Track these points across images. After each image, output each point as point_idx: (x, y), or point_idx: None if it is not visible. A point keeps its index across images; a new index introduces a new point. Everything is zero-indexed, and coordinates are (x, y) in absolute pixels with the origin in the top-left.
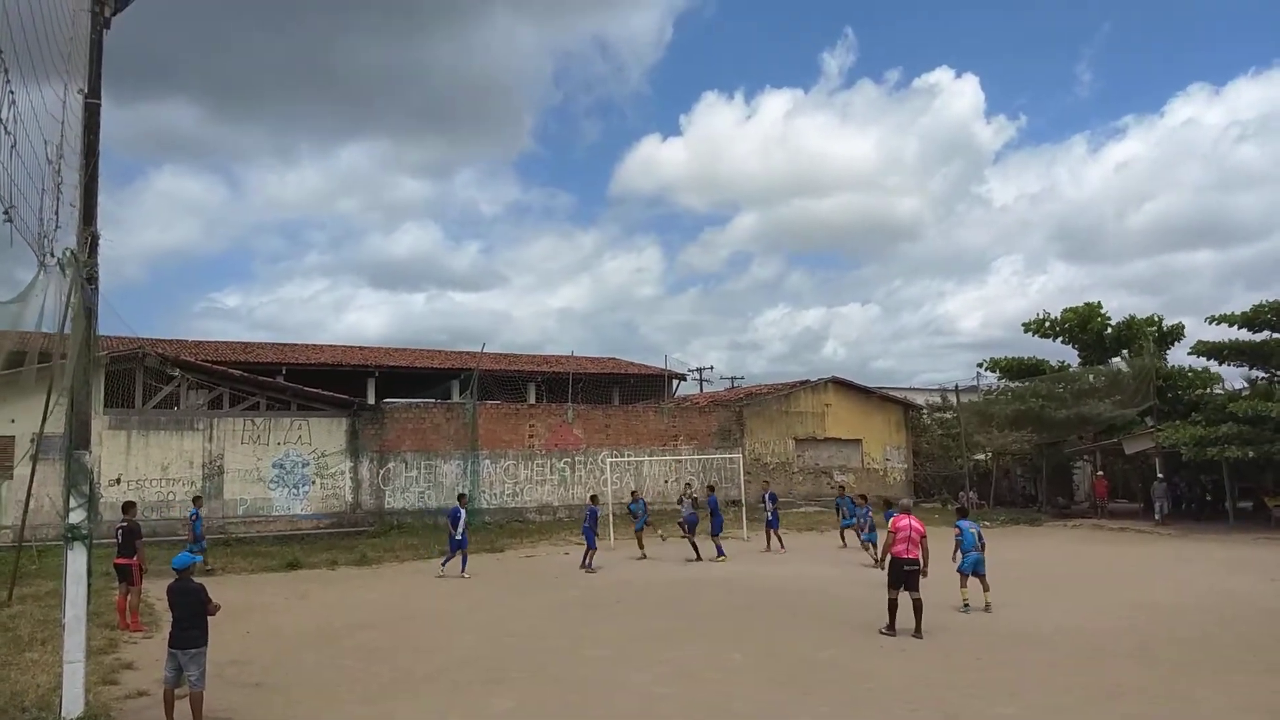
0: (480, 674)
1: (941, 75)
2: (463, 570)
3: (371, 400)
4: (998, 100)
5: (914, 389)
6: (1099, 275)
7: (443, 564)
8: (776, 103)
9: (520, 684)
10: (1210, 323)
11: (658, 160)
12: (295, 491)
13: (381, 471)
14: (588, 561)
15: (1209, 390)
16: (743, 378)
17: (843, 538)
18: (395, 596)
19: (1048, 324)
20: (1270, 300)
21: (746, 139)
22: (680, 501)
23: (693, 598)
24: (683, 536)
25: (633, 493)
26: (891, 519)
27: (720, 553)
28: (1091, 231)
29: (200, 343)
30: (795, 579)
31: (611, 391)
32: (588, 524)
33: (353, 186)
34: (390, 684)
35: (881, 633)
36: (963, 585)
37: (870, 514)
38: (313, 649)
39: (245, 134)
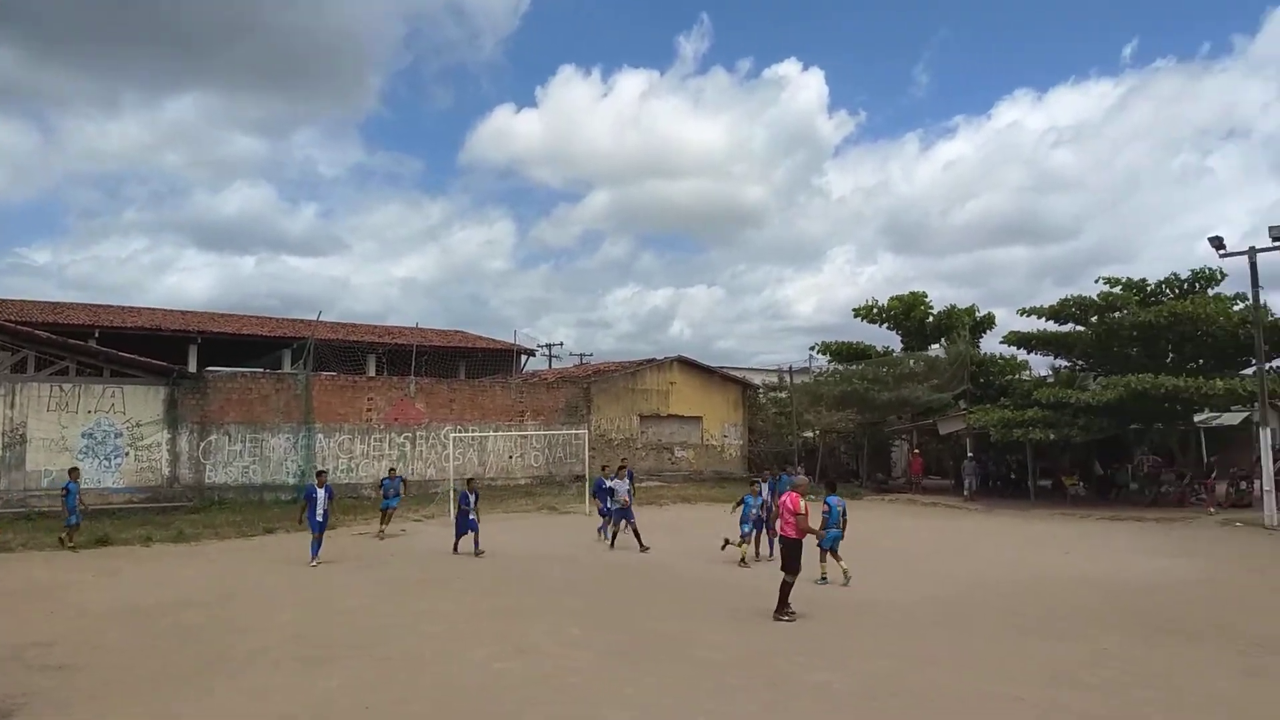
0: (305, 652)
1: (790, 68)
2: (313, 558)
3: (193, 368)
4: (841, 95)
5: (752, 369)
6: (924, 267)
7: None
8: (633, 82)
9: (348, 662)
10: (1021, 314)
11: (511, 131)
12: (106, 463)
13: (202, 444)
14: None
15: (1017, 377)
16: (591, 355)
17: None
18: (215, 575)
19: (875, 311)
20: (1075, 295)
21: (602, 116)
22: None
23: (538, 575)
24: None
25: (390, 470)
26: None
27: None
28: (919, 226)
29: (3, 301)
30: (641, 555)
31: (458, 366)
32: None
33: (179, 140)
34: (207, 664)
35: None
36: (822, 560)
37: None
38: (123, 628)
39: (65, 79)
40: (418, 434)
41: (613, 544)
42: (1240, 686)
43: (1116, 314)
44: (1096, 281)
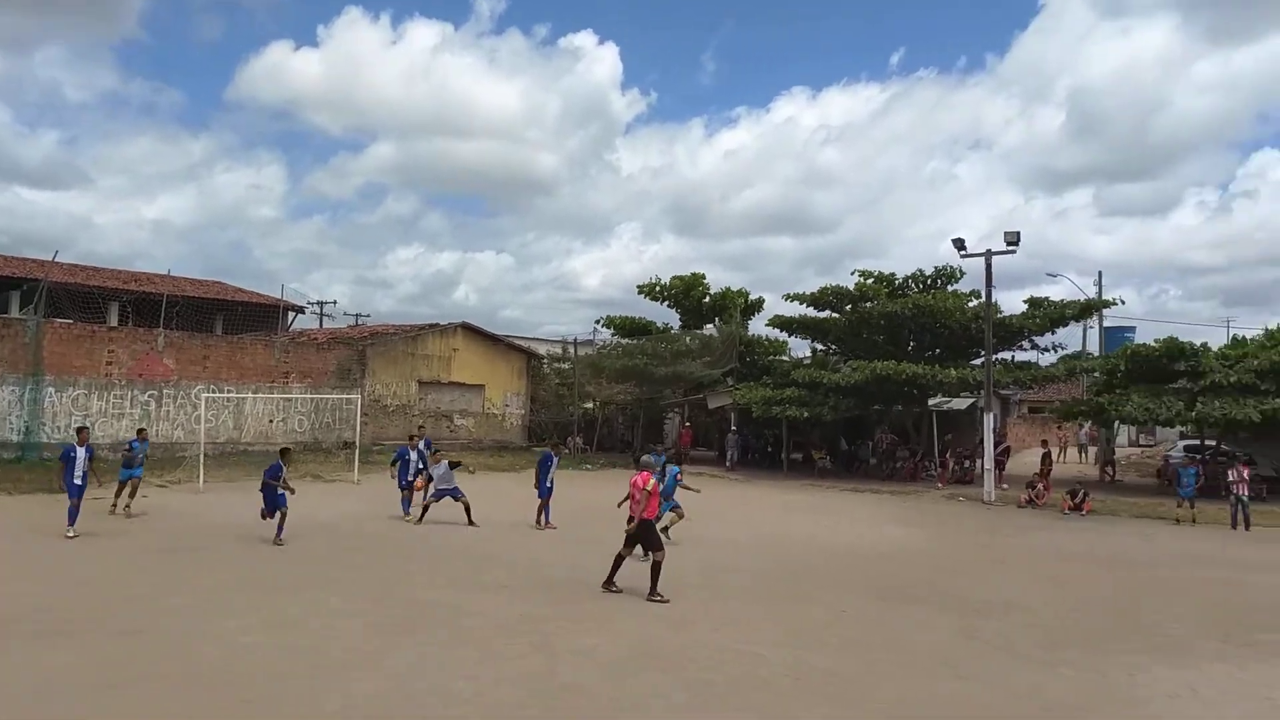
0: (36, 626)
1: (586, 39)
2: (70, 527)
3: None
4: (634, 74)
5: (538, 339)
6: (704, 249)
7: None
8: (425, 33)
9: (83, 635)
10: (786, 300)
11: (288, 70)
12: None
13: None
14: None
15: (779, 358)
16: (369, 315)
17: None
18: None
19: (658, 289)
20: (833, 285)
21: (390, 65)
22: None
23: (298, 545)
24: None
25: (140, 430)
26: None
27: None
28: (701, 210)
29: None
30: (412, 527)
31: (215, 319)
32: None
33: None
34: None
35: (604, 587)
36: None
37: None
38: None
39: None
40: (165, 392)
41: (421, 519)
42: (958, 645)
43: (868, 304)
44: (852, 273)
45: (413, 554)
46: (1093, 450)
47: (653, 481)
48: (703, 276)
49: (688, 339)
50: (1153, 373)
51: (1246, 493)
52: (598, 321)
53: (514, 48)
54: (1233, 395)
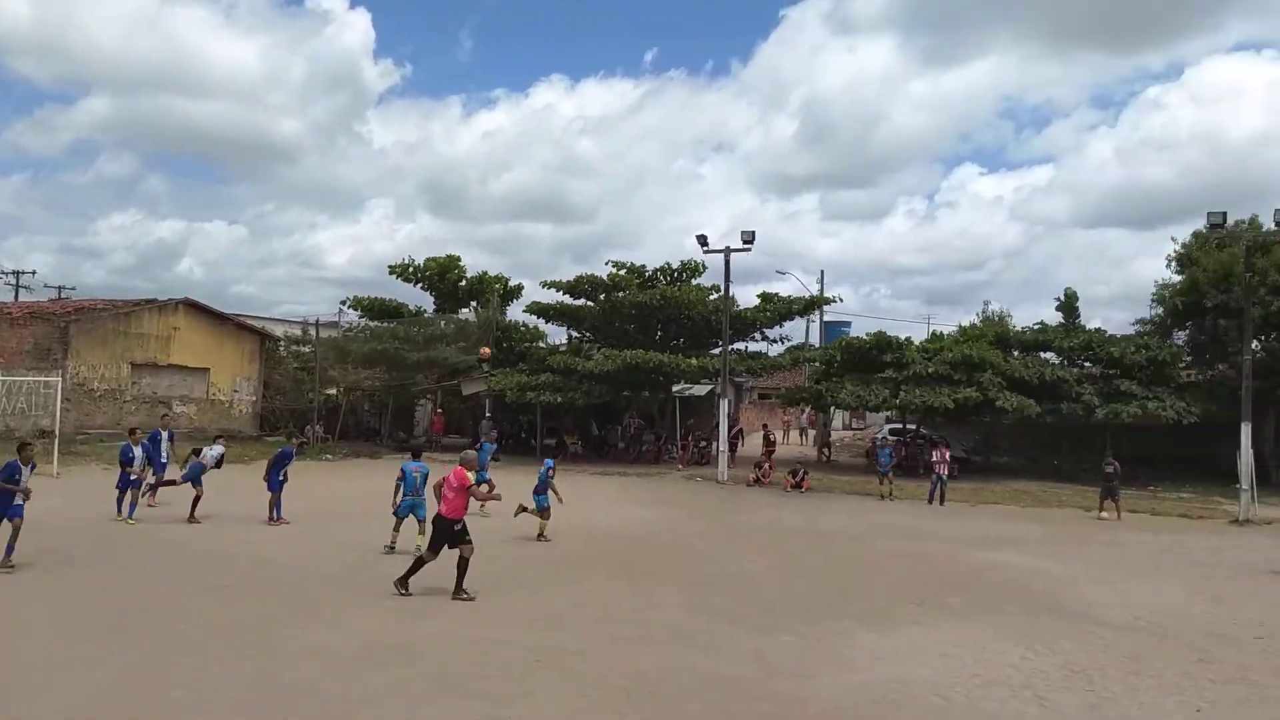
0: None
1: (335, 2)
2: None
3: None
4: (388, 43)
5: (274, 319)
6: (461, 231)
7: None
8: None
9: None
10: (543, 286)
11: None
12: None
13: None
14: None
15: (535, 344)
16: (75, 288)
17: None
18: None
19: (411, 270)
20: (588, 274)
21: (109, 10)
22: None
23: None
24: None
25: None
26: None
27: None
28: (457, 190)
29: None
30: (125, 526)
31: None
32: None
33: None
34: None
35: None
36: (395, 528)
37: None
38: None
39: None
40: None
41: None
42: (691, 617)
43: (620, 294)
44: (606, 263)
45: (124, 554)
46: (812, 433)
47: (471, 478)
48: (459, 259)
49: (442, 323)
50: (864, 363)
51: (945, 472)
52: (344, 302)
53: (254, 4)
54: (930, 385)
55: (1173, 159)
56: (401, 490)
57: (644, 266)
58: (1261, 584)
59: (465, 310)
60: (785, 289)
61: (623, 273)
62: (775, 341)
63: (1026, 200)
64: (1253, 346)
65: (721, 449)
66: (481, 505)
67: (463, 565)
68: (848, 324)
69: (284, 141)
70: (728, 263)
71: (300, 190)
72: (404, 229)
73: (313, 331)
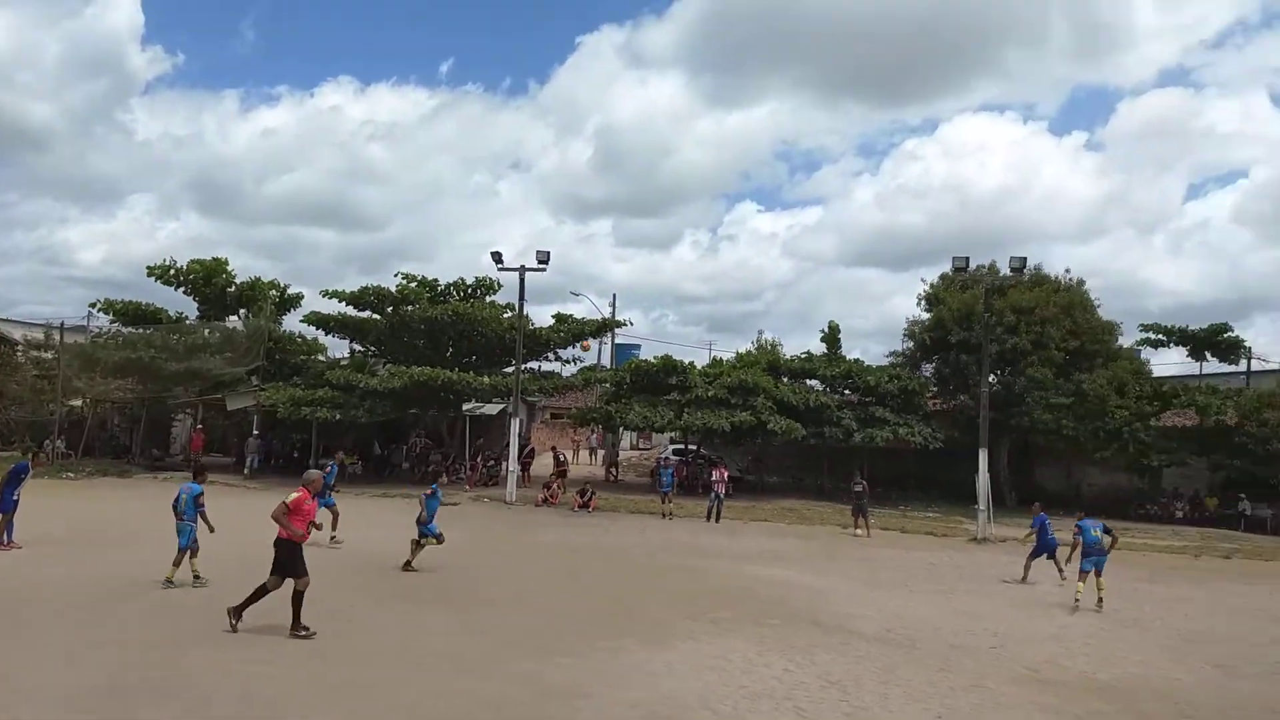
0: None
1: None
2: None
3: None
4: (158, 29)
5: (11, 320)
6: (232, 233)
7: None
8: None
9: None
10: (324, 296)
11: None
12: None
13: None
14: None
15: (313, 357)
16: None
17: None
18: None
19: (173, 272)
20: (375, 285)
21: None
22: None
23: None
24: None
25: None
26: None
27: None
28: (230, 189)
29: None
30: None
31: None
32: None
33: None
34: None
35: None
36: (186, 557)
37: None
38: None
39: None
40: None
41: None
42: (468, 641)
43: (409, 307)
44: (396, 275)
45: None
46: (602, 453)
47: (294, 497)
48: (226, 263)
49: (206, 331)
50: (651, 385)
51: (723, 490)
52: (94, 305)
53: None
54: (711, 407)
55: (926, 206)
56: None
57: (436, 280)
58: (996, 597)
59: (234, 318)
60: (579, 310)
61: (413, 285)
62: (568, 362)
63: (798, 238)
64: (990, 380)
65: (511, 469)
66: (332, 537)
67: (297, 599)
68: (637, 347)
69: (33, 126)
70: (522, 281)
71: (50, 180)
72: (167, 228)
73: (56, 336)
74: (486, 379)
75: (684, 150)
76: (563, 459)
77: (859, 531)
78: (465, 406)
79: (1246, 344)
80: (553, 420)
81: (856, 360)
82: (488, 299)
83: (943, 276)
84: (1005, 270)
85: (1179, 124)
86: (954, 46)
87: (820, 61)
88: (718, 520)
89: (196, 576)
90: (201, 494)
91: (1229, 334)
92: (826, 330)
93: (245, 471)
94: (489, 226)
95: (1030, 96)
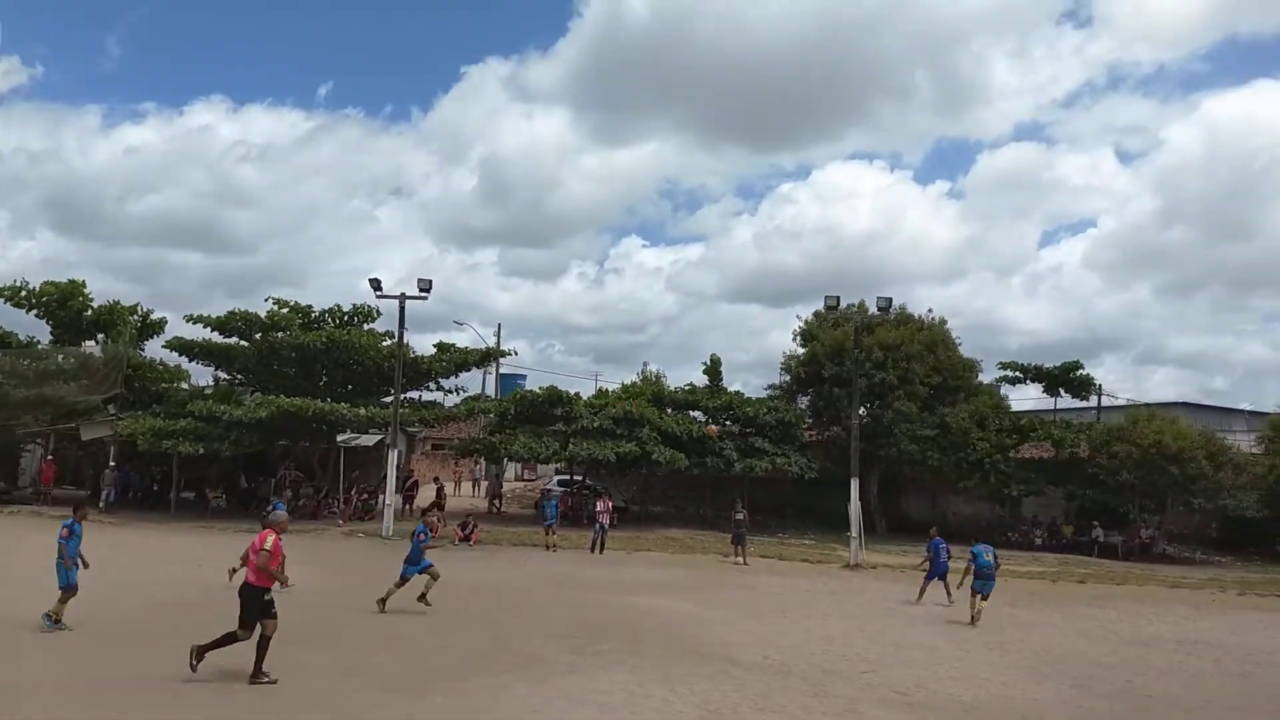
0: None
1: None
2: None
3: None
4: (15, 39)
5: None
6: (90, 253)
7: None
8: None
9: None
10: (189, 321)
11: None
12: None
13: None
14: None
15: (176, 385)
16: None
17: None
18: None
19: (24, 294)
20: (243, 309)
21: None
22: None
23: None
24: None
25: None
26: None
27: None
28: (90, 207)
29: None
30: None
31: None
32: None
33: None
34: None
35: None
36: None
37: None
38: None
39: None
40: None
41: None
42: (338, 683)
43: (280, 334)
44: (266, 300)
45: None
46: (485, 485)
47: (270, 540)
48: (83, 285)
49: (60, 357)
50: (537, 416)
51: (607, 521)
52: None
53: None
54: (596, 438)
55: (800, 247)
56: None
57: (310, 307)
58: (868, 622)
59: (90, 343)
60: (463, 340)
61: (285, 311)
62: (451, 392)
63: (681, 273)
64: (860, 412)
65: (388, 502)
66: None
67: (263, 644)
68: (523, 377)
69: None
70: (403, 309)
71: None
72: (20, 246)
73: None
74: (363, 410)
75: (570, 184)
76: (443, 492)
77: (739, 560)
78: (340, 438)
79: (1097, 381)
80: (434, 451)
81: (737, 392)
82: (366, 327)
83: (816, 314)
84: (873, 309)
85: (1033, 176)
86: (827, 97)
87: (702, 105)
88: (602, 551)
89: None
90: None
91: (1081, 371)
92: (709, 363)
93: (100, 505)
94: (367, 253)
95: (897, 146)
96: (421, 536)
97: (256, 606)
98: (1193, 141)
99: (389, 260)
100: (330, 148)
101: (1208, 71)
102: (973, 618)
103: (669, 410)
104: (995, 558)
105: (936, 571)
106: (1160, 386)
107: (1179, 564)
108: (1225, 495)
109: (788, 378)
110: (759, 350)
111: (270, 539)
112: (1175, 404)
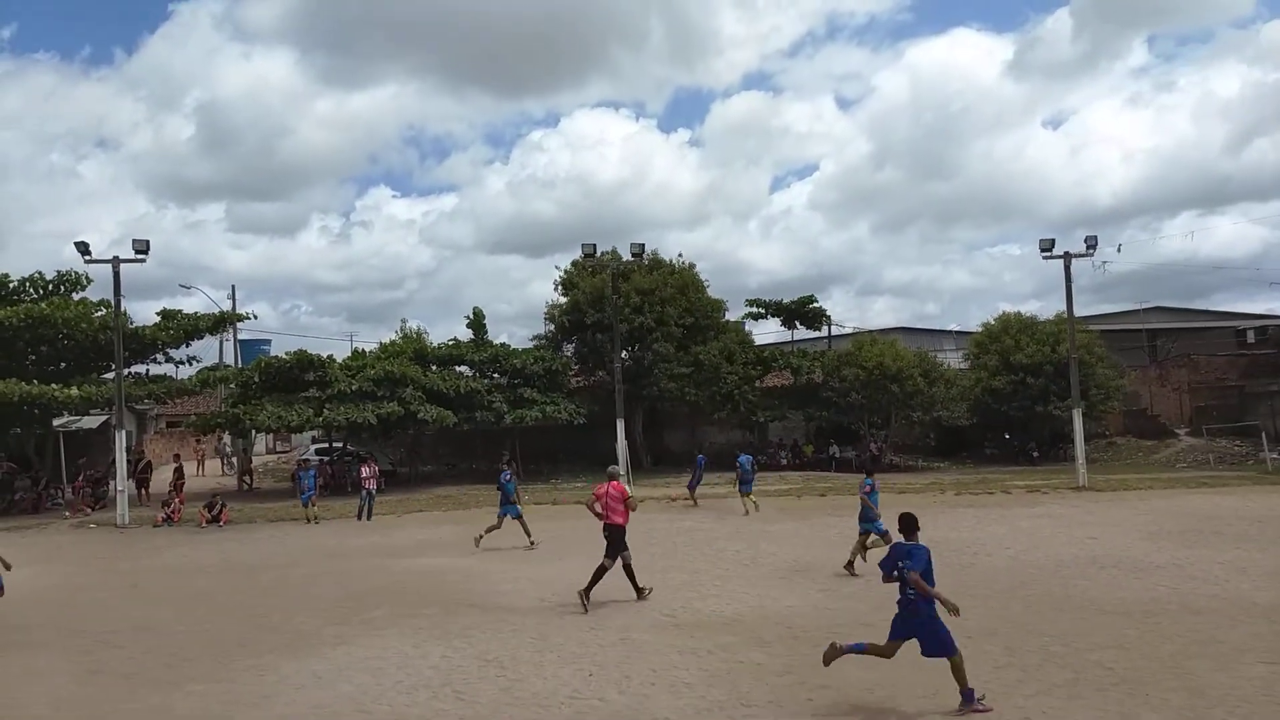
0: None
1: None
2: None
3: None
4: None
5: None
6: None
7: None
8: None
9: None
10: None
11: None
12: None
13: None
14: None
15: None
16: None
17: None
18: None
19: None
20: None
21: None
22: None
23: None
24: None
25: None
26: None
27: None
28: None
29: None
30: None
31: None
32: None
33: None
34: None
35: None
36: None
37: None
38: None
39: None
40: None
41: None
42: (82, 682)
43: None
44: None
45: None
46: (234, 460)
47: (616, 489)
48: None
49: None
50: (287, 382)
51: (374, 486)
52: None
53: None
54: (355, 401)
55: (554, 196)
56: None
57: (6, 276)
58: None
59: None
60: (191, 305)
61: None
62: (183, 363)
63: (435, 225)
64: (622, 356)
65: (120, 488)
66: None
67: (629, 571)
68: (268, 342)
69: None
70: (117, 275)
71: None
72: None
73: None
74: (76, 390)
75: (302, 130)
76: (180, 471)
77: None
78: (57, 422)
79: (827, 313)
80: (170, 430)
81: (503, 344)
82: (75, 296)
83: (575, 263)
84: (627, 256)
85: (762, 123)
86: (568, 42)
87: (439, 48)
88: (369, 518)
89: None
90: None
91: (814, 305)
92: (472, 316)
93: None
94: (72, 213)
95: (639, 95)
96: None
97: (620, 540)
98: (900, 88)
99: (98, 220)
100: (18, 96)
101: (912, 21)
102: (746, 510)
103: (433, 367)
104: (754, 465)
105: (698, 480)
106: (881, 315)
107: (904, 472)
108: (939, 408)
109: (552, 327)
110: (521, 301)
111: (618, 489)
112: (894, 329)
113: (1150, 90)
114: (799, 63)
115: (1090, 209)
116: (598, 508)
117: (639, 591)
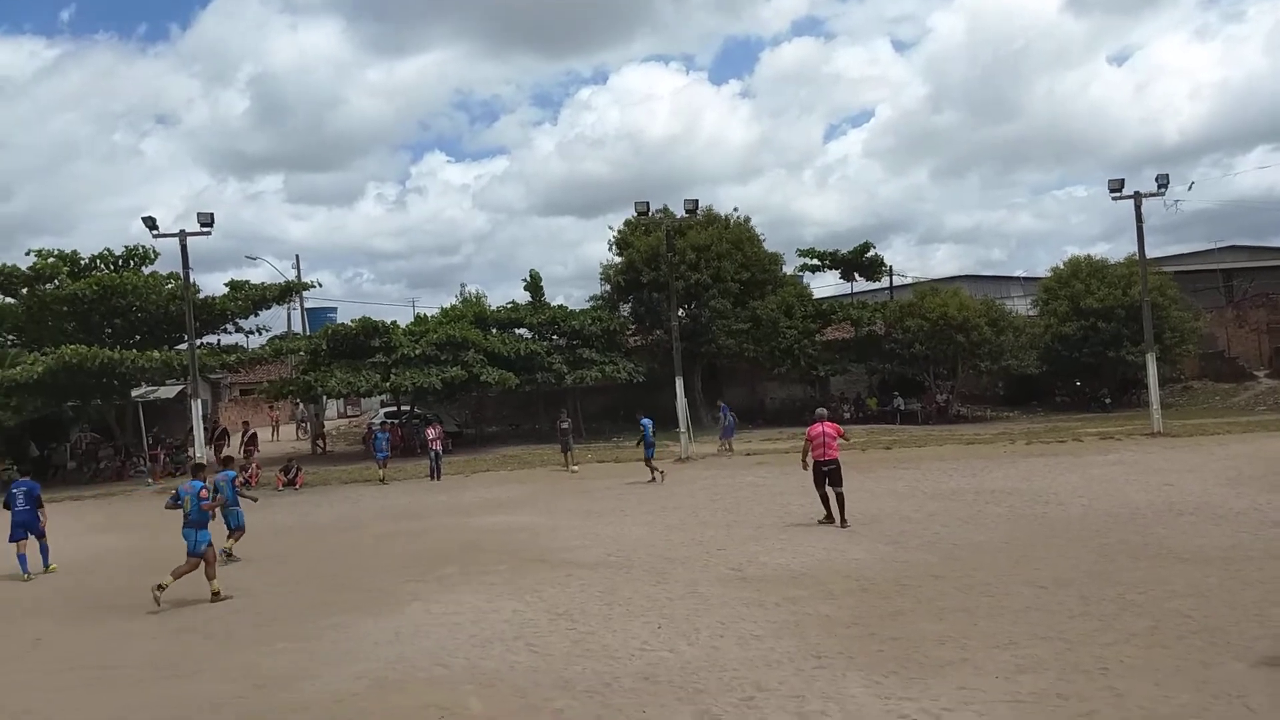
0: None
1: None
2: None
3: None
4: None
5: None
6: None
7: None
8: None
9: None
10: None
11: None
12: None
13: None
14: None
15: None
16: None
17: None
18: None
19: None
20: (4, 264)
21: None
22: None
23: None
24: None
25: None
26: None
27: None
28: None
29: None
30: None
31: None
32: None
33: None
34: None
35: (820, 522)
36: None
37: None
38: None
39: None
40: None
41: None
42: (174, 645)
43: (48, 286)
44: (29, 253)
45: None
46: (308, 425)
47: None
48: None
49: None
50: (353, 349)
51: (440, 448)
52: None
53: None
54: (419, 366)
55: (604, 155)
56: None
57: (76, 253)
58: (702, 510)
59: None
60: (257, 276)
61: (51, 261)
62: (252, 333)
63: (488, 188)
64: (679, 314)
65: (198, 455)
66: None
67: (840, 500)
68: (333, 310)
69: None
70: (184, 247)
71: None
72: None
73: None
74: (157, 354)
75: (353, 100)
76: (254, 437)
77: (574, 468)
78: (135, 392)
79: (887, 263)
80: (244, 397)
81: (561, 306)
82: (145, 269)
83: (628, 222)
84: (681, 212)
85: (814, 70)
86: None
87: (480, 11)
88: (439, 478)
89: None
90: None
91: (872, 254)
92: (529, 279)
93: None
94: (138, 190)
95: (687, 48)
96: (205, 493)
97: (839, 473)
98: (956, 28)
99: (163, 195)
100: (80, 76)
101: None
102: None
103: (493, 330)
104: (727, 415)
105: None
106: (943, 263)
107: (973, 423)
108: (1008, 356)
109: (608, 287)
110: (576, 262)
111: (833, 427)
112: (958, 277)
113: (1218, 21)
114: (850, 6)
115: (1158, 147)
116: (811, 452)
117: (844, 521)
